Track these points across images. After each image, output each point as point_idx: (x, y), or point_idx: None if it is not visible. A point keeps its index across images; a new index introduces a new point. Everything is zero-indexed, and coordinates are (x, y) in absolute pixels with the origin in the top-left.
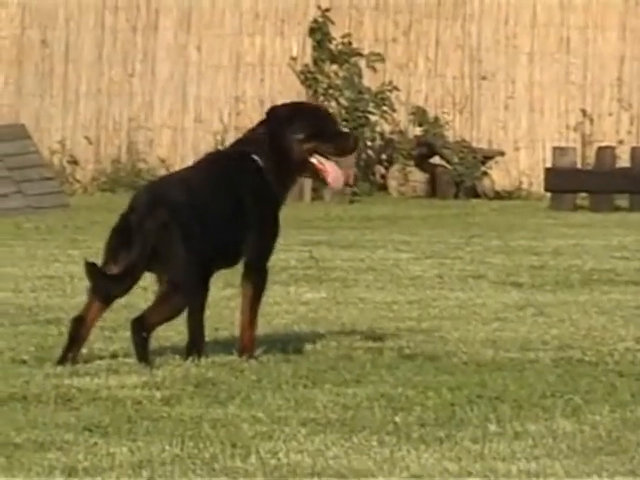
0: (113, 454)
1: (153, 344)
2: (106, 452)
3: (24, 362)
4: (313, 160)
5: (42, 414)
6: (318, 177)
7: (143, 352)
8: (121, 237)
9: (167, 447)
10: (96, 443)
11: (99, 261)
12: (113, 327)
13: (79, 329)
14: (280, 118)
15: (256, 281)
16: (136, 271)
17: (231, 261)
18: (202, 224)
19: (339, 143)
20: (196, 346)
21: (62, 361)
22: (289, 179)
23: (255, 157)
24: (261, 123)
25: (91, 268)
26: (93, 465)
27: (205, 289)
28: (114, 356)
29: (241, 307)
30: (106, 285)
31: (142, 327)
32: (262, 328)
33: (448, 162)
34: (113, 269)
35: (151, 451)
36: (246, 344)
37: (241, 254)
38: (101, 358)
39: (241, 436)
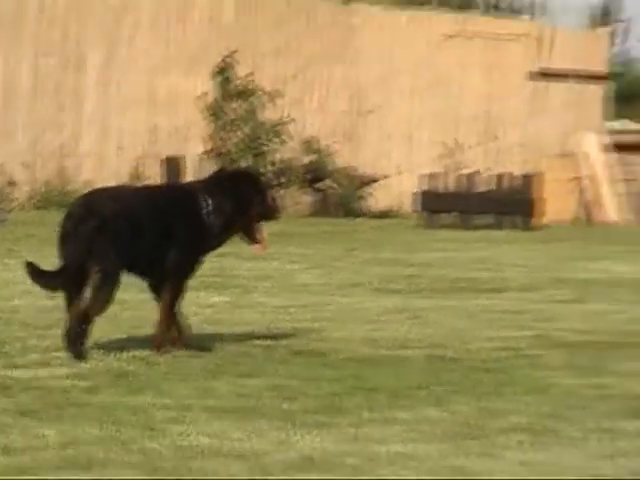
0: (44, 435)
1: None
2: (38, 434)
3: None
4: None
5: None
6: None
7: (80, 345)
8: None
9: (90, 430)
10: (29, 426)
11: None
12: (46, 326)
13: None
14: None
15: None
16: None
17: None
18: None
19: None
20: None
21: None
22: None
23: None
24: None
25: (28, 267)
26: (27, 445)
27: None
28: (46, 351)
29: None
30: (44, 280)
31: (84, 319)
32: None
33: (334, 185)
34: (64, 267)
35: (77, 433)
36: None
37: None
38: (35, 352)
39: (154, 421)
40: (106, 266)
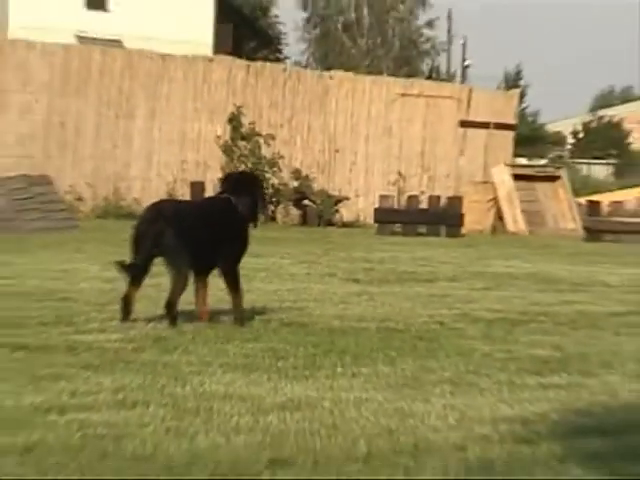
0: (101, 383)
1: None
2: (96, 381)
3: (45, 324)
4: None
5: (57, 358)
6: None
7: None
8: (137, 236)
9: (135, 379)
10: (89, 376)
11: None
12: (104, 303)
13: (128, 301)
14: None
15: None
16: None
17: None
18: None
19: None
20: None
21: (123, 320)
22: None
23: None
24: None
25: (121, 263)
26: (88, 390)
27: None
28: (103, 321)
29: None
30: (129, 271)
31: (170, 303)
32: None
33: (314, 203)
34: (135, 259)
35: (125, 382)
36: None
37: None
38: (95, 322)
39: (181, 373)
40: (180, 260)
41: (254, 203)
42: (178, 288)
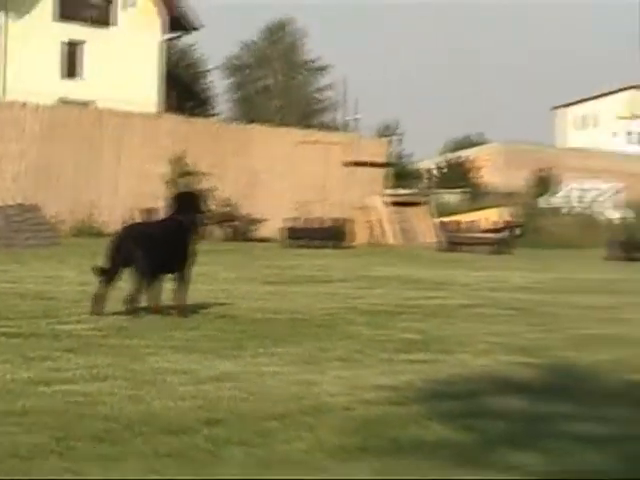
0: (78, 362)
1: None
2: (75, 361)
3: (36, 317)
4: None
5: (44, 343)
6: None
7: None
8: (112, 250)
9: (104, 359)
10: (70, 357)
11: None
12: (80, 300)
13: (100, 299)
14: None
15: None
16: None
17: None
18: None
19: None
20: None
21: (96, 314)
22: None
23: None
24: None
25: (96, 268)
26: (68, 367)
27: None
28: (80, 314)
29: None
30: (103, 275)
31: (132, 299)
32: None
33: (239, 223)
34: (109, 266)
35: (97, 361)
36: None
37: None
38: (73, 316)
39: (140, 354)
40: (142, 267)
41: (197, 217)
42: (139, 288)
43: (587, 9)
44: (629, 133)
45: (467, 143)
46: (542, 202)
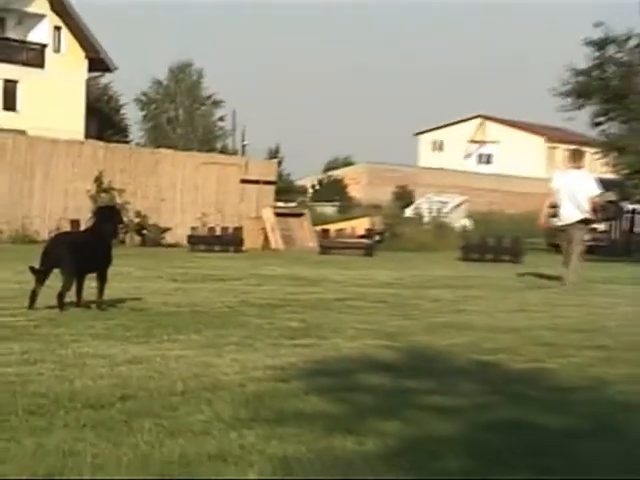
0: (12, 348)
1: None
2: (9, 347)
3: None
4: None
5: None
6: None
7: (61, 305)
8: (44, 255)
9: (35, 345)
10: (5, 344)
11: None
12: (14, 297)
13: (34, 295)
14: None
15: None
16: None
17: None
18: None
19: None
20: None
21: (30, 307)
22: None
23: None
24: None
25: (31, 269)
26: (3, 353)
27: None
28: (15, 309)
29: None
30: (36, 274)
31: (60, 295)
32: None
33: (149, 232)
34: (42, 267)
35: (29, 347)
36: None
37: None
38: (8, 310)
39: (65, 340)
40: (68, 269)
41: (114, 227)
42: (67, 286)
43: (442, 49)
44: (479, 155)
45: (339, 163)
46: (406, 212)
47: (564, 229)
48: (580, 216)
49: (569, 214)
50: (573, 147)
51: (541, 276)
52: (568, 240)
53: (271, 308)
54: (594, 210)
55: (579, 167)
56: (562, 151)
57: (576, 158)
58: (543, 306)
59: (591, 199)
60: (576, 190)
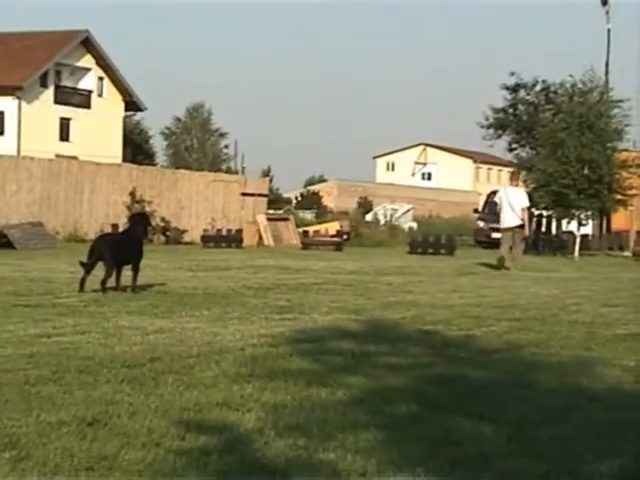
0: (67, 322)
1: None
2: (65, 322)
3: (40, 294)
4: None
5: (46, 310)
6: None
7: (104, 289)
8: (90, 251)
9: (84, 320)
10: (62, 319)
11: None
12: (68, 283)
13: (83, 281)
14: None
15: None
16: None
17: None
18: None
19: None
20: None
21: (80, 291)
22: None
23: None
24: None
25: (81, 262)
26: (61, 325)
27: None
28: (69, 292)
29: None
30: (84, 266)
31: (103, 282)
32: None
33: (171, 233)
34: (89, 260)
35: (80, 321)
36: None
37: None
38: (64, 292)
39: (107, 316)
40: (109, 261)
41: (145, 229)
42: (108, 275)
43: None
44: (422, 173)
45: (315, 180)
46: (367, 217)
47: (506, 231)
48: (518, 222)
49: (509, 220)
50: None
51: (486, 265)
52: (508, 239)
53: (264, 291)
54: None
55: (516, 185)
56: (485, 170)
57: (514, 178)
58: (471, 288)
59: (523, 209)
60: (513, 202)
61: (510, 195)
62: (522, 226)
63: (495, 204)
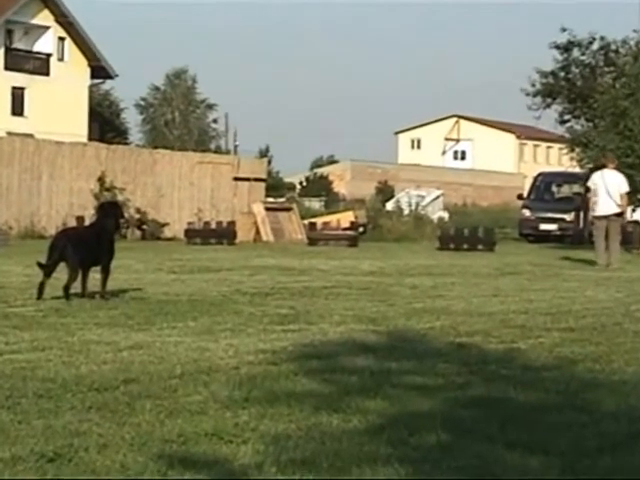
0: (23, 336)
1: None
2: (20, 336)
3: None
4: None
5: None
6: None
7: (67, 295)
8: (50, 249)
9: (44, 334)
10: (17, 332)
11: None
12: (25, 289)
13: (42, 287)
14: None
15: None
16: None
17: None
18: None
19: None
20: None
21: (38, 298)
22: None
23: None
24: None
25: (39, 263)
26: (15, 341)
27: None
28: (25, 300)
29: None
30: (43, 268)
31: (66, 287)
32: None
33: (148, 227)
34: (48, 261)
35: (38, 335)
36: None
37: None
38: (19, 300)
39: (71, 329)
40: (73, 262)
41: (116, 221)
42: (72, 279)
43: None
44: (455, 152)
45: (324, 162)
46: (387, 206)
47: (599, 219)
48: (615, 209)
49: (606, 208)
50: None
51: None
52: (601, 229)
53: (262, 296)
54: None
55: (614, 167)
56: (531, 147)
57: (610, 160)
58: (515, 291)
59: (623, 195)
60: (611, 187)
61: (608, 179)
62: (620, 214)
63: (547, 188)
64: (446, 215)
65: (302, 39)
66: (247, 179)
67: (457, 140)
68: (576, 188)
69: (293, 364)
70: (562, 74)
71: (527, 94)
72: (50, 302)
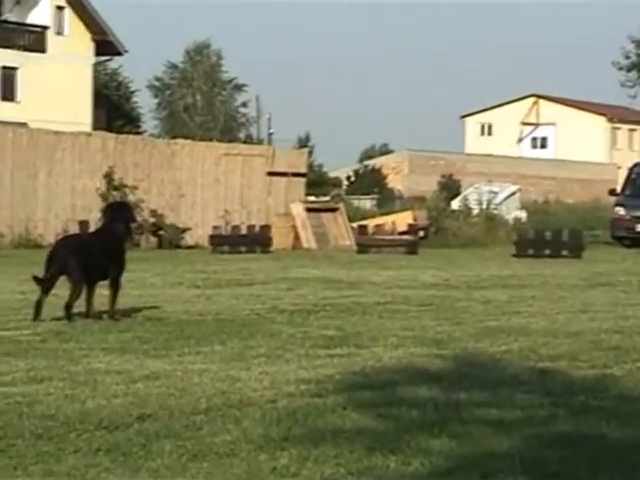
0: (18, 365)
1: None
2: (14, 364)
3: None
4: None
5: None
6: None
7: (69, 315)
8: (49, 261)
9: (42, 362)
10: (10, 360)
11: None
12: (20, 307)
13: (39, 305)
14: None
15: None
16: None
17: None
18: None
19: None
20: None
21: (35, 319)
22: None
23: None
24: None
25: (35, 277)
26: (9, 370)
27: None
28: (20, 321)
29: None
30: (40, 284)
31: (68, 305)
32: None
33: (166, 233)
34: (46, 275)
35: (35, 364)
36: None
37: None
38: (13, 322)
39: (75, 356)
40: (76, 276)
41: (127, 226)
42: (74, 296)
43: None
44: (533, 139)
45: (373, 152)
46: (453, 204)
47: None
48: None
49: None
50: None
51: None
52: None
53: (304, 315)
54: None
55: None
56: (626, 132)
57: None
58: (607, 306)
59: None
60: None
61: None
62: None
63: None
64: (524, 215)
65: (345, 10)
66: (284, 174)
67: (536, 125)
68: None
69: (341, 396)
70: None
71: (620, 68)
72: (49, 324)
